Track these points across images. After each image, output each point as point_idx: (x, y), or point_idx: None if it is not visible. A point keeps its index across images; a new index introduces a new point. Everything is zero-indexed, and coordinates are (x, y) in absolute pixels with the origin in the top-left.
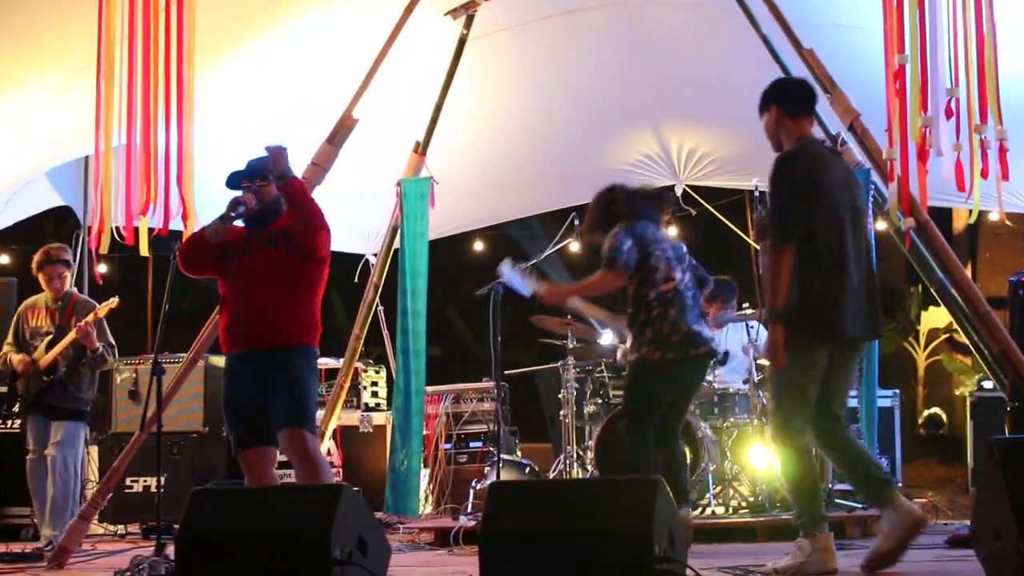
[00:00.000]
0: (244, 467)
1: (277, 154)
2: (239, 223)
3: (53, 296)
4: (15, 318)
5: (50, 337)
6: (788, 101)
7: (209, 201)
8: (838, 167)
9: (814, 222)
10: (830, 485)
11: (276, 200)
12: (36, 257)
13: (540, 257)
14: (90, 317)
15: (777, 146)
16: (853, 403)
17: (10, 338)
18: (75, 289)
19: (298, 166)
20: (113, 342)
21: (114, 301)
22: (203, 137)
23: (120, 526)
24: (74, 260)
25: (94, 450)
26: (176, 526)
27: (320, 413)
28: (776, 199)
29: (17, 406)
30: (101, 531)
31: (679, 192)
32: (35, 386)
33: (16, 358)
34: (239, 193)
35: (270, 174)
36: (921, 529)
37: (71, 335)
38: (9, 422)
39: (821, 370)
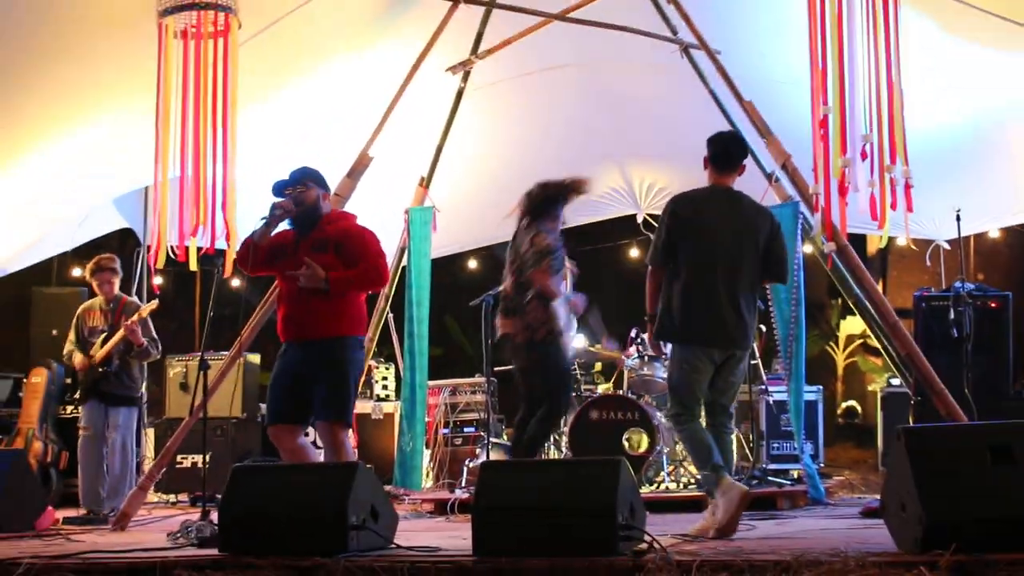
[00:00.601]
0: (272, 437)
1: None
2: (286, 225)
3: (105, 299)
4: (75, 319)
5: (104, 334)
6: (712, 154)
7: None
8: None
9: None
10: (764, 464)
11: (316, 203)
12: (89, 266)
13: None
14: (135, 317)
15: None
16: (783, 396)
17: (72, 336)
18: (123, 293)
19: None
20: (156, 337)
21: (155, 304)
22: (244, 170)
23: (172, 495)
24: (135, 275)
25: (151, 432)
26: (219, 496)
27: None
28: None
29: (78, 394)
30: (156, 499)
31: (640, 219)
32: (92, 376)
33: (77, 358)
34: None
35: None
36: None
37: (121, 332)
38: (71, 408)
39: (702, 366)
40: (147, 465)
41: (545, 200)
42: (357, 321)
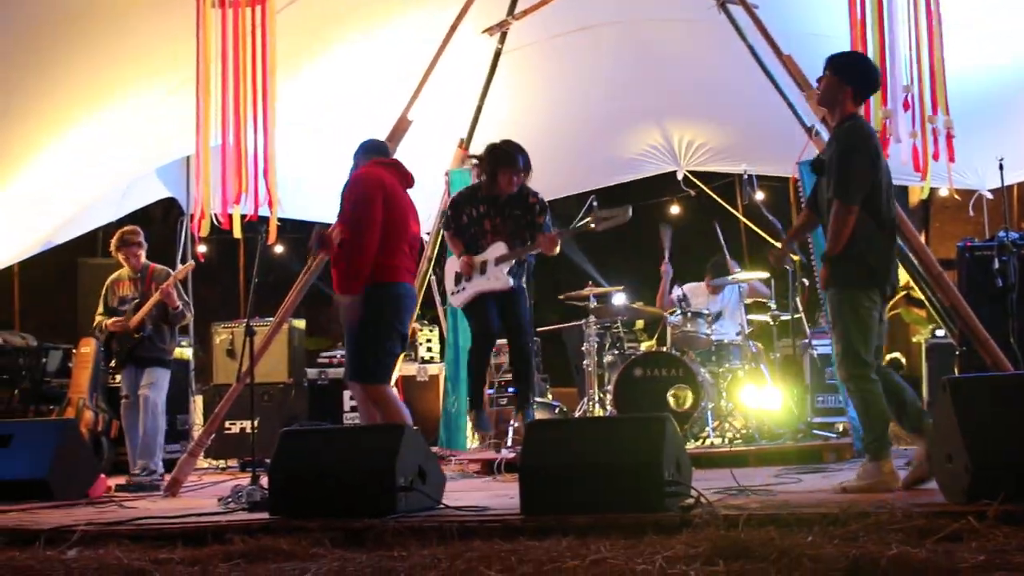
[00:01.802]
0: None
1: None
2: None
3: (132, 270)
4: (103, 291)
5: (136, 301)
6: (860, 82)
7: (291, 191)
8: None
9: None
10: (809, 418)
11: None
12: (113, 241)
13: (565, 235)
14: (171, 279)
15: (832, 107)
16: (827, 350)
17: (101, 308)
18: (149, 262)
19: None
20: (188, 300)
21: (191, 264)
22: (284, 138)
23: (221, 461)
24: (179, 243)
25: (199, 399)
26: (268, 461)
27: None
28: (833, 165)
29: (114, 361)
30: (206, 465)
31: (680, 176)
32: (127, 343)
33: (108, 321)
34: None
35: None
36: None
37: (155, 297)
38: (119, 378)
39: (878, 314)
40: (196, 432)
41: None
42: (352, 276)
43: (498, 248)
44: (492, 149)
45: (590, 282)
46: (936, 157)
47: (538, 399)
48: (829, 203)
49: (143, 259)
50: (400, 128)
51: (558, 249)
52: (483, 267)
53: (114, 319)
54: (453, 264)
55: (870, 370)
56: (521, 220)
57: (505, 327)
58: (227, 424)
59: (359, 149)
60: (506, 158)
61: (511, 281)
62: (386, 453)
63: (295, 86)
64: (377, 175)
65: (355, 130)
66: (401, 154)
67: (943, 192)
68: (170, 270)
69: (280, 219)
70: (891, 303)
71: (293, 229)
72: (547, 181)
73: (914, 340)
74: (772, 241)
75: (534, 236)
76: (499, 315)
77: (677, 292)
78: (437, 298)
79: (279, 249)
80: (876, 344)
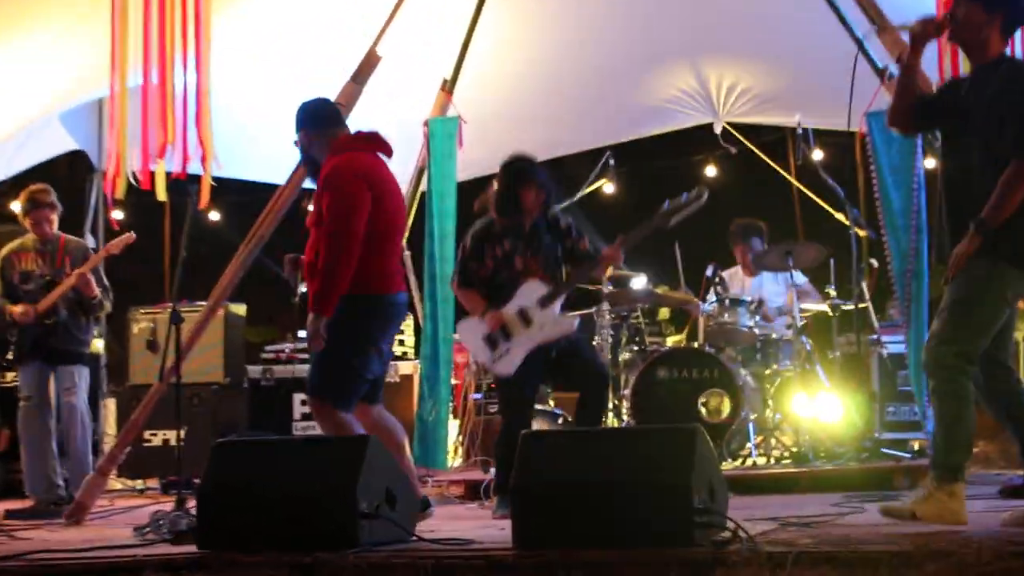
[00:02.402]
0: None
1: None
2: None
3: (40, 239)
4: (0, 264)
5: (47, 279)
6: (1012, 6)
7: (229, 144)
8: None
9: None
10: (877, 434)
11: (308, 152)
12: (21, 202)
13: (574, 199)
14: (93, 260)
15: (975, 44)
16: (901, 349)
17: None
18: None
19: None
20: (108, 285)
21: (130, 236)
22: (222, 76)
23: (139, 481)
24: (88, 208)
25: (111, 402)
26: (197, 480)
27: None
28: (1005, 110)
29: (11, 354)
30: (119, 486)
31: (718, 130)
32: (33, 332)
33: (17, 309)
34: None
35: None
36: None
37: (71, 279)
38: (11, 376)
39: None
40: (107, 445)
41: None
42: (324, 294)
43: (533, 289)
44: (507, 166)
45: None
46: None
47: (537, 406)
48: (982, 160)
49: (55, 226)
50: (368, 65)
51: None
52: (525, 317)
53: (22, 306)
54: (473, 328)
55: (972, 369)
56: (554, 250)
57: (573, 378)
58: (147, 435)
59: (307, 118)
60: (526, 172)
61: (575, 322)
62: (346, 471)
63: (237, 11)
64: (361, 166)
65: (313, 66)
66: (369, 97)
67: None
68: (87, 245)
69: (216, 178)
70: None
71: (232, 191)
72: (551, 134)
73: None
74: (832, 211)
75: (578, 265)
76: (555, 367)
77: (710, 270)
78: (411, 278)
79: (214, 216)
80: (1007, 344)
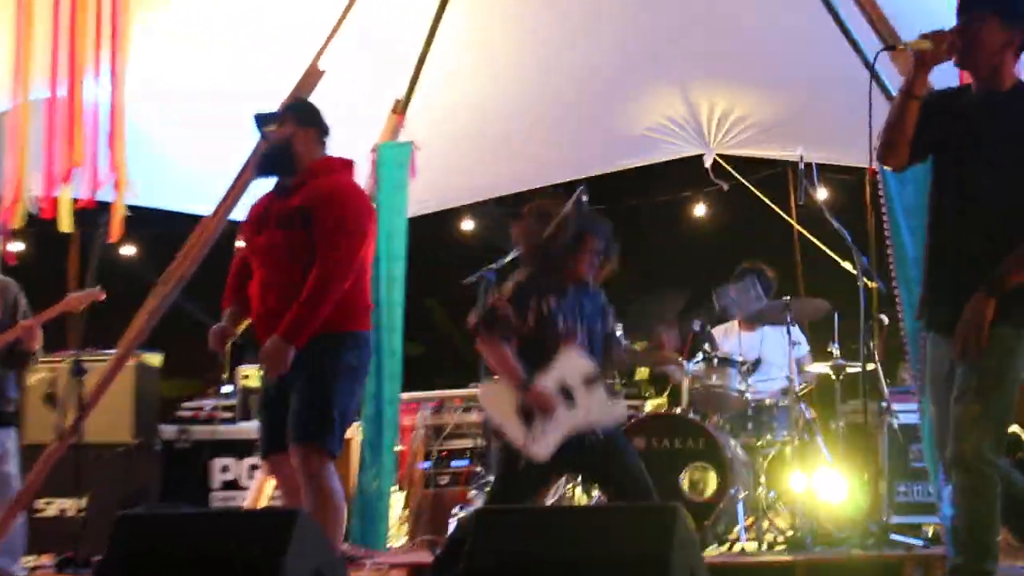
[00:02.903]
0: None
1: None
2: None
3: None
4: None
5: None
6: None
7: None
8: None
9: None
10: (885, 517)
11: (286, 145)
12: None
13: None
14: (55, 310)
15: (987, 68)
16: (914, 419)
17: None
18: None
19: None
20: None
21: (98, 293)
22: (140, 91)
23: (31, 557)
24: None
25: None
26: (97, 558)
27: None
28: None
29: None
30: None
31: (708, 163)
32: None
33: None
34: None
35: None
36: None
37: (14, 331)
38: None
39: None
40: None
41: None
42: (347, 311)
43: (576, 361)
44: (579, 202)
45: None
46: None
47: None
48: (1003, 202)
49: None
50: (308, 81)
51: None
52: (568, 394)
53: None
54: (503, 396)
55: (999, 461)
56: (594, 322)
57: (606, 481)
58: (41, 503)
59: (300, 112)
60: (598, 222)
61: (623, 409)
62: (269, 550)
63: (158, 18)
64: (367, 197)
65: (245, 81)
66: None
67: None
68: (15, 285)
69: (130, 207)
70: None
71: (149, 222)
72: (516, 165)
73: None
74: (838, 259)
75: (615, 349)
76: (586, 460)
77: (696, 325)
78: None
79: (128, 250)
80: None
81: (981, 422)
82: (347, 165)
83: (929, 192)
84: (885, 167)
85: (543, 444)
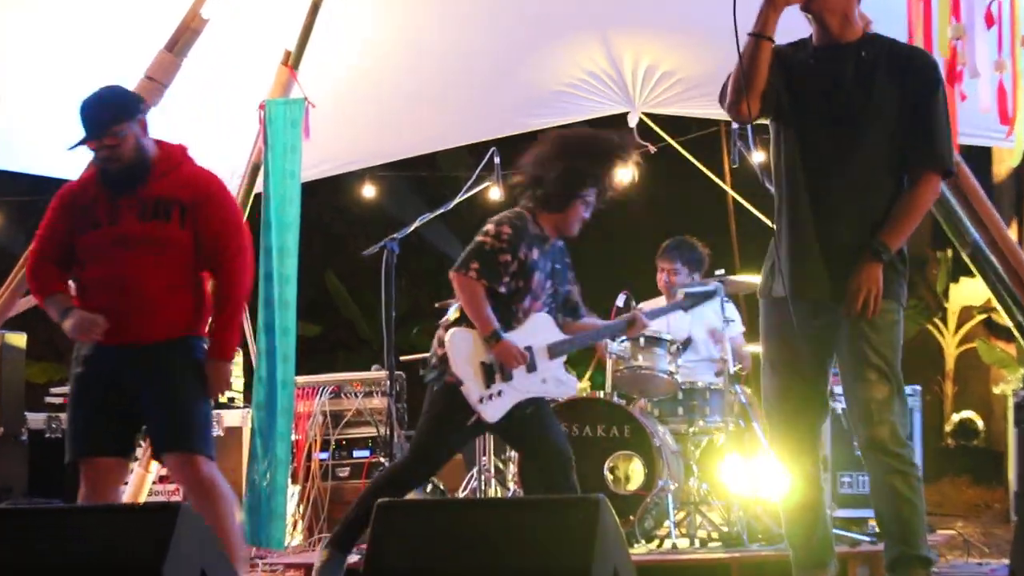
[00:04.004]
0: (83, 477)
1: None
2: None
3: None
4: None
5: None
6: None
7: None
8: None
9: None
10: (828, 510)
11: (139, 150)
12: None
13: (450, 205)
14: None
15: (836, 14)
16: None
17: None
18: None
19: (130, 82)
20: None
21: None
22: None
23: None
24: None
25: None
26: None
27: None
28: (939, 114)
29: None
30: None
31: (634, 122)
32: None
33: None
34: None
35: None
36: None
37: None
38: None
39: None
40: None
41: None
42: (201, 314)
43: (545, 327)
44: (583, 150)
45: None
46: None
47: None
48: (871, 163)
49: None
50: (187, 29)
51: None
52: (530, 360)
53: None
54: (472, 346)
55: None
56: (558, 283)
57: (527, 447)
58: None
59: (133, 105)
60: (597, 181)
61: (576, 386)
62: (149, 549)
63: None
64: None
65: (118, 33)
66: (190, 71)
67: None
68: None
69: None
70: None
71: (15, 189)
72: (423, 124)
73: (996, 390)
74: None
75: (573, 313)
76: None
77: (621, 299)
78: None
79: None
80: None
81: (893, 404)
82: (183, 150)
83: (774, 153)
84: (735, 122)
85: (495, 407)
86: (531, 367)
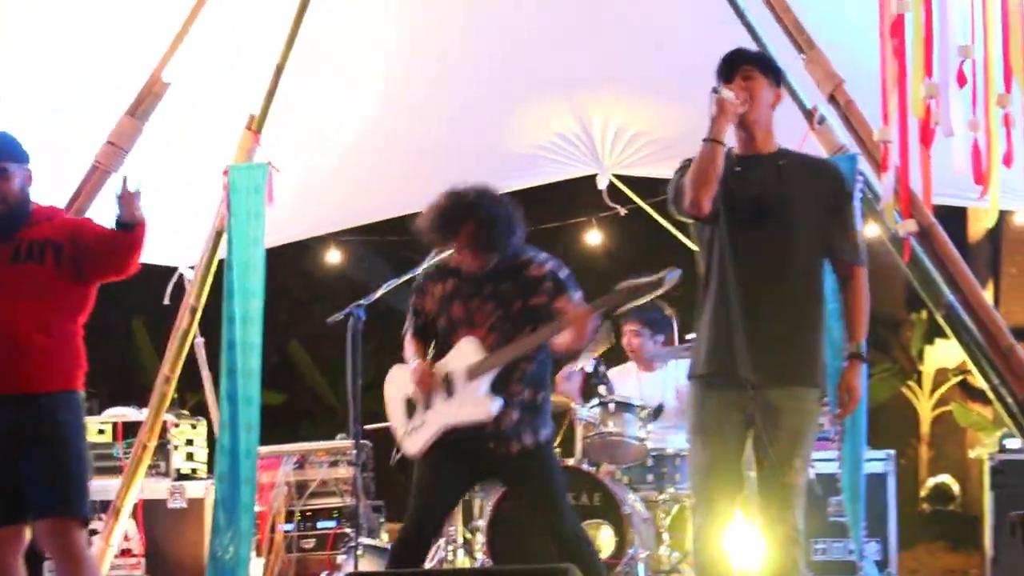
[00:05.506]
0: None
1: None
2: None
3: None
4: None
5: None
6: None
7: None
8: None
9: None
10: None
11: (24, 193)
12: None
13: (417, 270)
14: None
15: (762, 127)
16: (833, 469)
17: None
18: None
19: (93, 146)
20: None
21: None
22: None
23: None
24: None
25: None
26: None
27: (115, 483)
28: (856, 218)
29: None
30: None
31: (603, 185)
32: None
33: None
34: None
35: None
36: None
37: None
38: None
39: None
40: None
41: None
42: (76, 368)
43: (469, 350)
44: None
45: None
46: (1009, 162)
47: (366, 540)
48: (798, 261)
49: None
50: (150, 93)
51: (590, 333)
52: (449, 386)
53: None
54: (401, 381)
55: None
56: (512, 301)
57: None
58: None
59: (18, 149)
60: (467, 205)
61: (493, 407)
62: None
63: None
64: None
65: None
66: (152, 136)
67: (1021, 219)
68: None
69: None
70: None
71: None
72: (392, 189)
73: (972, 454)
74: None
75: (549, 322)
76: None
77: (588, 364)
78: (205, 373)
79: None
80: None
81: (799, 496)
82: (59, 209)
83: (705, 248)
84: (688, 219)
85: (416, 439)
86: (450, 392)
